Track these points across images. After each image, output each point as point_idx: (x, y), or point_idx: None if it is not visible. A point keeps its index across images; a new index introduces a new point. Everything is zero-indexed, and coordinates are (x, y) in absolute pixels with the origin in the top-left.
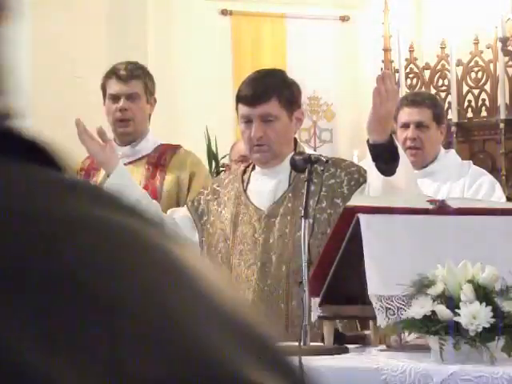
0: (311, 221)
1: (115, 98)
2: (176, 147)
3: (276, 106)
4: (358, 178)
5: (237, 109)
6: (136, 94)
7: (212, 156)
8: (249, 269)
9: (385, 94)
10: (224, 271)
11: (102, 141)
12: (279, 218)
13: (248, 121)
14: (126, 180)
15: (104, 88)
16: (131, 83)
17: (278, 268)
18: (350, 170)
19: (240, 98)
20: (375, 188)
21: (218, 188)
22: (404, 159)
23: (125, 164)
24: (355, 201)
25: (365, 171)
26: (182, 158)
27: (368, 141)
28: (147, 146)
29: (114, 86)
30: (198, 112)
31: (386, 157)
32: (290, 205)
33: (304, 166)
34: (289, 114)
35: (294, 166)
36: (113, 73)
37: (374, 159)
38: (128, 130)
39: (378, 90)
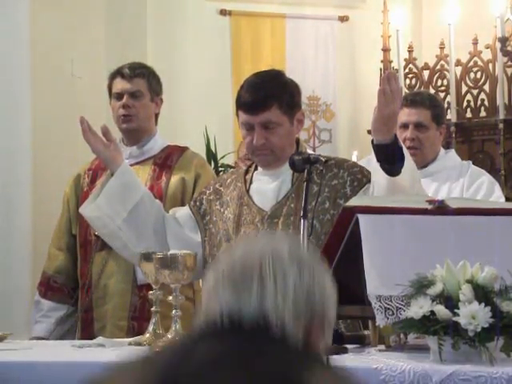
0: (314, 221)
1: (119, 96)
2: (183, 149)
3: (277, 112)
4: (360, 179)
5: (237, 114)
6: (139, 91)
7: (211, 156)
8: None
9: (390, 94)
10: None
11: (105, 139)
12: (282, 219)
13: (248, 128)
14: (130, 179)
15: (110, 88)
16: (134, 81)
17: None
18: (352, 171)
19: (240, 106)
20: (380, 188)
21: (220, 188)
22: (409, 159)
23: (131, 164)
24: (354, 201)
25: (368, 172)
26: (188, 160)
27: (372, 141)
28: (155, 146)
29: (118, 85)
30: (197, 112)
31: (389, 157)
32: (292, 205)
33: (303, 166)
34: (290, 118)
35: (293, 166)
36: (117, 72)
37: (379, 159)
38: (131, 125)
39: (382, 90)
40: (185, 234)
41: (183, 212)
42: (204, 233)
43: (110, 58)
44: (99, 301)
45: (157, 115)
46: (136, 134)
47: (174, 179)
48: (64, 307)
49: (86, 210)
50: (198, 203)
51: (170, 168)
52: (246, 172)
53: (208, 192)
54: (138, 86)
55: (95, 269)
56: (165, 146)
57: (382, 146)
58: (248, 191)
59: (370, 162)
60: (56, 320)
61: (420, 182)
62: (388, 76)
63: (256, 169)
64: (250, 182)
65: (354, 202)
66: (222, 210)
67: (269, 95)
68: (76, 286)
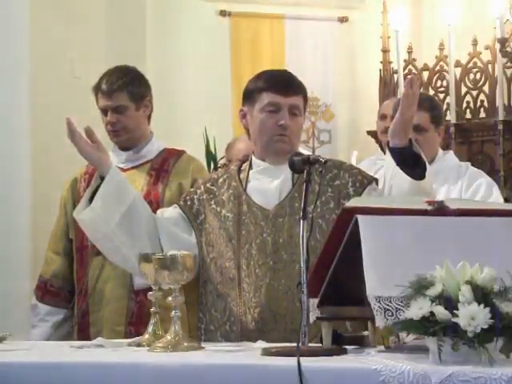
0: (319, 221)
1: (104, 111)
2: (180, 153)
3: (302, 102)
4: (362, 180)
5: (249, 99)
6: (121, 106)
7: (210, 156)
8: (260, 269)
9: (412, 98)
10: (231, 271)
11: (90, 141)
12: (287, 218)
13: (274, 110)
14: (121, 181)
15: (97, 100)
16: (113, 96)
17: (291, 267)
18: (353, 172)
19: (270, 86)
20: (402, 191)
21: (212, 187)
22: (427, 164)
23: (128, 168)
24: (354, 202)
25: (366, 173)
26: (185, 165)
27: (388, 144)
28: (151, 150)
29: (101, 101)
30: (196, 113)
31: (407, 161)
32: (296, 204)
33: (302, 166)
34: (304, 114)
35: (293, 166)
36: (97, 88)
37: (397, 163)
38: (121, 138)
39: (406, 93)
40: (179, 234)
41: (173, 212)
42: (199, 232)
43: (110, 58)
44: (96, 306)
45: (149, 116)
46: (129, 142)
47: (171, 184)
48: (61, 311)
49: (81, 214)
50: (189, 203)
51: (166, 173)
52: (239, 171)
53: (199, 191)
54: (119, 100)
55: (92, 274)
56: (161, 149)
57: (398, 150)
58: (245, 190)
59: (375, 165)
60: (53, 324)
61: (433, 186)
62: (411, 80)
63: (251, 168)
64: (247, 181)
65: (353, 202)
66: (218, 209)
67: (300, 83)
68: (73, 290)
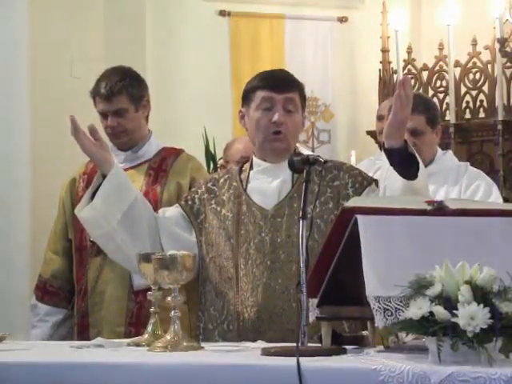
0: (318, 221)
1: (103, 115)
2: (178, 152)
3: (298, 99)
4: (362, 181)
5: (246, 100)
6: (121, 109)
7: (210, 157)
8: (258, 268)
9: (405, 98)
10: (229, 270)
11: (94, 139)
12: (286, 218)
13: (268, 108)
14: (123, 179)
15: (94, 104)
16: (114, 100)
17: (288, 267)
18: (352, 173)
19: (264, 84)
20: (393, 191)
21: (213, 187)
22: (421, 164)
23: (126, 169)
24: (353, 201)
25: (366, 174)
26: (184, 164)
27: (383, 146)
28: (150, 150)
29: (99, 105)
30: (196, 113)
31: (403, 161)
32: (295, 205)
33: (302, 166)
34: (302, 113)
35: (292, 166)
36: (96, 92)
37: (392, 164)
38: (122, 140)
39: (399, 95)
40: (179, 233)
41: (174, 212)
42: (199, 232)
43: (109, 58)
44: (95, 307)
45: (147, 116)
46: (128, 144)
47: (170, 184)
48: (61, 311)
49: (82, 211)
50: (190, 202)
51: (165, 172)
52: (240, 171)
53: (200, 191)
54: (119, 103)
55: (91, 275)
56: (160, 148)
57: (393, 151)
58: (245, 190)
59: (374, 165)
60: (53, 324)
61: (428, 186)
62: (404, 81)
63: (251, 168)
64: (247, 182)
65: (352, 202)
66: (218, 208)
67: (295, 80)
68: (73, 290)
